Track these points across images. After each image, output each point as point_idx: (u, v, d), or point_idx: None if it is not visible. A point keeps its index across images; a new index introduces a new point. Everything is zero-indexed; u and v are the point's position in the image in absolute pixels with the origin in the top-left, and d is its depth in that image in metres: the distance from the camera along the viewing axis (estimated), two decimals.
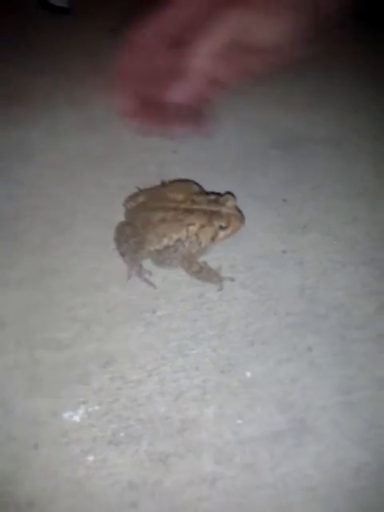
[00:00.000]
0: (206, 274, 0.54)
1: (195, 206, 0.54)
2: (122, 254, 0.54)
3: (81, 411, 0.45)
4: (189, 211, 0.54)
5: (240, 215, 0.55)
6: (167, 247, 0.53)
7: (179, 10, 0.51)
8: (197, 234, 0.53)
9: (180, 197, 0.55)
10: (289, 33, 0.49)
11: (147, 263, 0.56)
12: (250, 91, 0.74)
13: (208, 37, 0.47)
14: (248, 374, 0.48)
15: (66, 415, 0.45)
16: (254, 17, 0.47)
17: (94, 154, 0.70)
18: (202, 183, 0.63)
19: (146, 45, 0.51)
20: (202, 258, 0.56)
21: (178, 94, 0.48)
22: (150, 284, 0.54)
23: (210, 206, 0.54)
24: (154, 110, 0.49)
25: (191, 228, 0.53)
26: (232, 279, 0.55)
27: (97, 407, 0.45)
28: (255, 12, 0.47)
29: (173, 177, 0.65)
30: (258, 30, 0.48)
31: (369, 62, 0.87)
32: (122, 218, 0.59)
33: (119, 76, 0.50)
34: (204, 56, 0.47)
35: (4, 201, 0.62)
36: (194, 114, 0.50)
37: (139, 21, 0.53)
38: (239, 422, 0.45)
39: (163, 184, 0.64)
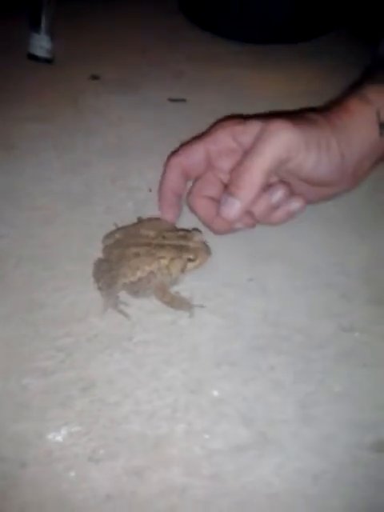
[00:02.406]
0: (178, 302, 0.60)
1: (166, 242, 0.60)
2: (100, 288, 0.60)
3: (63, 432, 0.50)
4: (160, 246, 0.60)
5: (206, 248, 0.61)
6: (141, 279, 0.59)
7: (217, 144, 0.65)
8: (168, 266, 0.59)
9: (152, 233, 0.61)
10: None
11: (124, 295, 0.61)
12: None
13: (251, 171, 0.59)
14: (215, 393, 0.53)
15: (50, 436, 0.49)
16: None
17: (76, 195, 0.75)
18: None
19: (188, 171, 0.67)
20: (174, 288, 0.61)
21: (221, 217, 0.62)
22: (125, 315, 0.59)
23: (180, 240, 0.60)
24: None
25: (162, 261, 0.59)
26: (202, 306, 0.60)
27: (78, 428, 0.50)
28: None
29: (148, 213, 0.70)
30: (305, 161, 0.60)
31: None
32: (100, 254, 0.64)
33: (162, 193, 0.67)
34: (246, 193, 0.60)
35: None
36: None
37: (184, 147, 0.67)
38: (206, 436, 0.50)
39: (139, 220, 0.69)
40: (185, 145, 0.68)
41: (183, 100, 0.94)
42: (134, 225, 0.66)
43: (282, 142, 0.57)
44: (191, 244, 0.60)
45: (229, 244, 0.68)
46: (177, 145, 0.82)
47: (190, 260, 0.59)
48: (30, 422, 0.50)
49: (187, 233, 0.61)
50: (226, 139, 0.64)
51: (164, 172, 0.67)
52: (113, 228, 0.68)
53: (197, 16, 1.19)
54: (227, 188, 0.61)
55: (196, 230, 0.62)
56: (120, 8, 1.26)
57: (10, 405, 0.52)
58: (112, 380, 0.54)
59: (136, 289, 0.59)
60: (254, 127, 0.60)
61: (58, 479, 0.47)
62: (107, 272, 0.59)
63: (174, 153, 0.67)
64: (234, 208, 0.60)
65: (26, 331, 0.58)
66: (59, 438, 0.49)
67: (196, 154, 0.65)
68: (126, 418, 0.51)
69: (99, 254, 0.64)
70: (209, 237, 0.63)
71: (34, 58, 1.01)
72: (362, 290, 0.64)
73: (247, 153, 0.59)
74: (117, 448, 0.49)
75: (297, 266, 0.66)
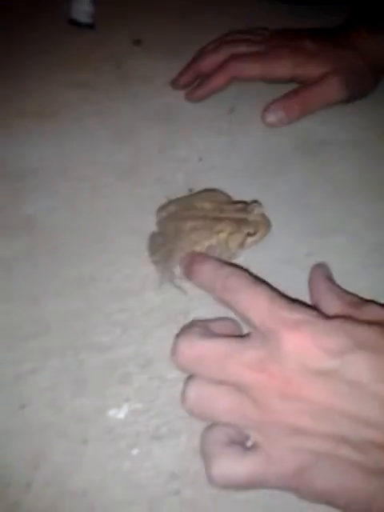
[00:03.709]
0: None
1: (224, 215, 0.58)
2: (155, 263, 0.58)
3: (124, 409, 0.49)
4: (218, 219, 0.57)
5: (267, 222, 0.58)
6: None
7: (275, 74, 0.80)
8: (226, 241, 0.57)
9: (209, 206, 0.59)
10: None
11: (180, 270, 0.59)
12: (268, 97, 0.77)
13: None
14: None
15: (110, 413, 0.48)
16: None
17: (123, 165, 0.73)
18: (227, 190, 0.66)
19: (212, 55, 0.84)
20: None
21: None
22: (181, 290, 0.57)
23: (238, 213, 0.58)
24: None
25: (221, 235, 0.57)
26: None
27: (139, 405, 0.49)
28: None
29: (200, 184, 0.68)
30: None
31: None
32: (153, 227, 0.62)
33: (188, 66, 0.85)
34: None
35: (44, 214, 0.66)
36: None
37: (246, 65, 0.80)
38: None
39: (191, 192, 0.67)
40: (249, 60, 0.79)
41: None
42: (188, 197, 0.64)
43: (333, 98, 0.76)
44: (251, 217, 0.57)
45: (286, 216, 0.65)
46: (226, 111, 0.80)
47: (249, 234, 0.57)
48: (89, 398, 0.50)
49: (246, 205, 0.59)
50: (284, 72, 0.77)
51: (218, 70, 0.80)
52: (164, 200, 0.65)
53: None
54: (279, 102, 0.75)
55: (255, 202, 0.59)
56: None
57: (67, 380, 0.51)
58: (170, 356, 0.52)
59: None
60: (317, 71, 0.75)
61: (120, 456, 0.46)
62: (163, 246, 0.58)
63: (237, 58, 0.79)
64: (277, 120, 0.75)
65: (79, 305, 0.57)
66: (120, 415, 0.48)
67: (252, 77, 0.79)
68: None
69: (151, 227, 0.62)
70: (267, 209, 0.61)
71: (75, 23, 0.98)
72: None
73: (307, 90, 0.75)
74: (179, 426, 0.48)
75: (357, 242, 0.63)
